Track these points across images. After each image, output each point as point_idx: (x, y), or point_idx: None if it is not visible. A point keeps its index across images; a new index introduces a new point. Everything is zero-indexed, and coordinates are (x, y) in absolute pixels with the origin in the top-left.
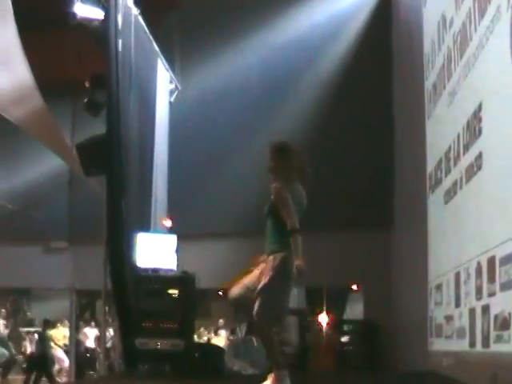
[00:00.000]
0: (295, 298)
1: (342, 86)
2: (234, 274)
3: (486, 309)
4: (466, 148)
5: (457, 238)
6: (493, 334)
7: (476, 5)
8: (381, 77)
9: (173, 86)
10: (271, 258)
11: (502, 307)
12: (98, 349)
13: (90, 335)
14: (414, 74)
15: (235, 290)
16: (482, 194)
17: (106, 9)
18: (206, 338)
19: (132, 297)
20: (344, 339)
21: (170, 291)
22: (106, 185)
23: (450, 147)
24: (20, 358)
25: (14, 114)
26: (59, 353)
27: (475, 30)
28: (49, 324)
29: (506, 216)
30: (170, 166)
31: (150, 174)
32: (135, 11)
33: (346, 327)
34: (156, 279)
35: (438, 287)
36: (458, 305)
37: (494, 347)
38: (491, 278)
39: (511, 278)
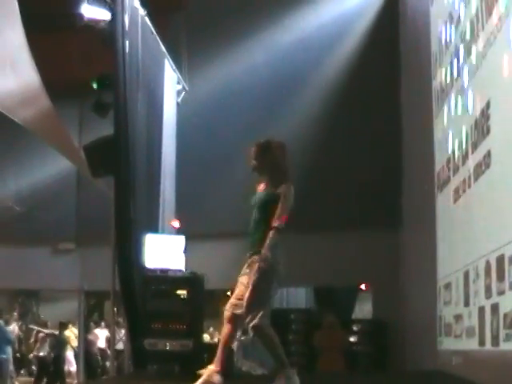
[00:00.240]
0: (304, 297)
1: (350, 86)
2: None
3: (495, 307)
4: (475, 146)
5: (465, 237)
6: (502, 332)
7: (483, 3)
8: (388, 76)
9: (180, 86)
10: (254, 260)
11: None
12: (108, 350)
13: (100, 336)
14: (421, 73)
15: (229, 306)
16: (491, 193)
17: (113, 10)
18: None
19: (140, 298)
20: (353, 339)
21: (179, 292)
22: (113, 186)
23: (458, 146)
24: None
25: (22, 116)
26: (69, 355)
27: (482, 29)
28: (65, 326)
29: None
30: (177, 167)
31: (157, 174)
32: (142, 12)
33: (354, 327)
34: (164, 280)
35: (447, 286)
36: (467, 304)
37: (504, 346)
38: (500, 277)
39: None
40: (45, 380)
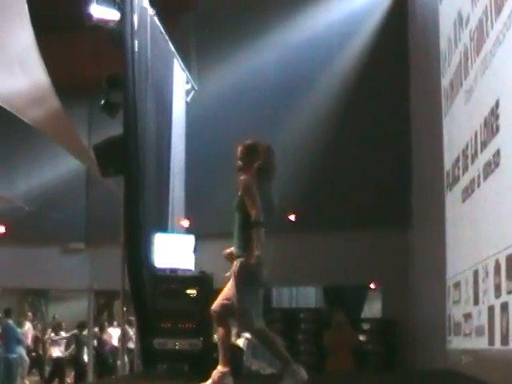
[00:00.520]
0: (313, 296)
1: (359, 85)
2: None
3: (504, 306)
4: (484, 145)
5: (475, 236)
6: None
7: (492, 1)
8: (397, 75)
9: (189, 86)
10: (235, 263)
11: None
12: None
13: (114, 335)
14: (430, 71)
15: (216, 306)
16: (500, 191)
17: (122, 10)
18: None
19: (150, 297)
20: (362, 338)
21: (188, 291)
22: (123, 185)
23: (467, 145)
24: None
25: (31, 116)
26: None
27: (492, 27)
28: (84, 327)
29: None
30: (186, 166)
31: (167, 174)
32: (151, 12)
33: (364, 326)
34: (174, 279)
35: (457, 285)
36: (476, 303)
37: None
38: (510, 276)
39: None
40: (56, 380)
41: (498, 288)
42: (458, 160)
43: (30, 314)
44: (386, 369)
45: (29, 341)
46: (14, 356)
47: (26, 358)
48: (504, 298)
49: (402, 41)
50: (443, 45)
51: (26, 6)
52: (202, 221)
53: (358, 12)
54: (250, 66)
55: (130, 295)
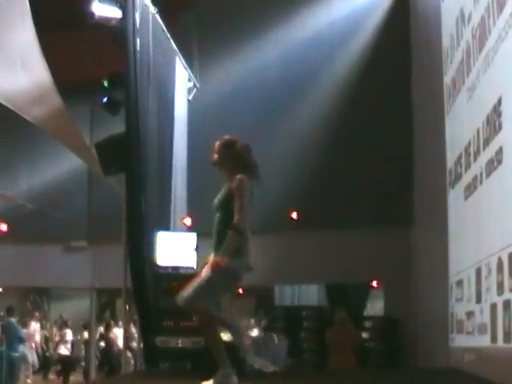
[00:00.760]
0: (316, 294)
1: (361, 83)
2: (254, 272)
3: (507, 304)
4: (486, 143)
5: (477, 234)
6: None
7: None
8: (399, 72)
9: (191, 84)
10: (212, 257)
11: None
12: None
13: (119, 335)
14: (432, 69)
15: (183, 294)
16: (503, 189)
17: (124, 8)
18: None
19: (152, 295)
20: (364, 336)
21: None
22: (125, 183)
23: (469, 142)
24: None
25: (33, 114)
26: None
27: (494, 24)
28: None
29: None
30: (189, 164)
31: (169, 172)
32: (152, 10)
33: (366, 324)
34: (176, 277)
35: (459, 283)
36: (478, 300)
37: None
38: None
39: None
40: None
41: (500, 286)
42: (460, 157)
43: (37, 313)
44: (389, 367)
45: (37, 340)
46: (17, 354)
47: (33, 358)
48: (506, 295)
49: (403, 38)
50: (445, 42)
51: (28, 5)
52: (204, 219)
53: (359, 10)
54: (251, 64)
55: (133, 293)
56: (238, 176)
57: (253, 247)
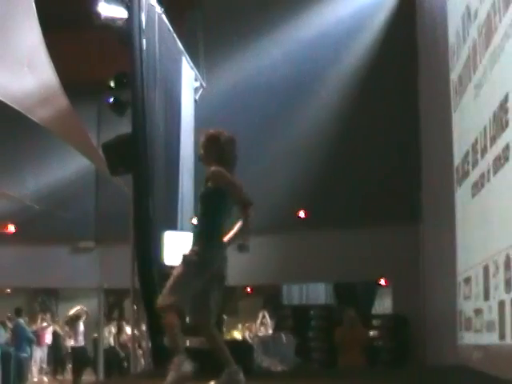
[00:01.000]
0: (323, 293)
1: (368, 80)
2: (262, 271)
3: None
4: (493, 140)
5: (485, 231)
6: None
7: None
8: (406, 70)
9: (197, 83)
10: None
11: None
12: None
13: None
14: (439, 66)
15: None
16: (510, 186)
17: (130, 8)
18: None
19: (160, 295)
20: (373, 334)
21: None
22: (132, 184)
23: (476, 139)
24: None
25: (40, 115)
26: None
27: (500, 21)
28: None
29: None
30: (195, 164)
31: (176, 171)
32: (159, 10)
33: (374, 322)
34: None
35: (467, 280)
36: (486, 298)
37: None
38: None
39: None
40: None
41: (508, 283)
42: (467, 155)
43: (48, 315)
44: (397, 365)
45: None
46: (25, 355)
47: (43, 357)
48: None
49: (410, 36)
50: (452, 39)
51: (34, 6)
52: None
53: (366, 8)
54: (258, 63)
55: (140, 293)
56: (212, 169)
57: (261, 246)
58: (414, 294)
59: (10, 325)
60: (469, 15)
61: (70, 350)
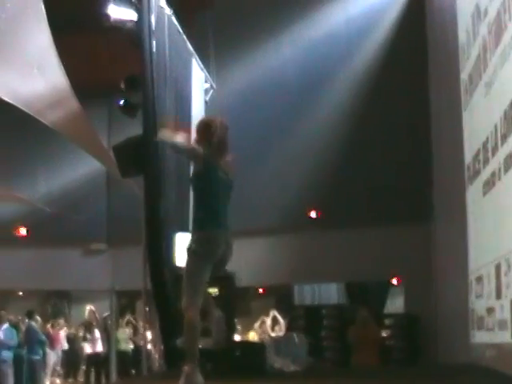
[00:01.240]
0: (335, 293)
1: (378, 80)
2: (273, 271)
3: None
4: (504, 138)
5: (496, 230)
6: None
7: None
8: (416, 69)
9: (208, 85)
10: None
11: None
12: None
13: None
14: (449, 65)
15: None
16: None
17: (139, 10)
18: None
19: (172, 297)
20: (385, 333)
21: (210, 290)
22: (143, 185)
23: (487, 138)
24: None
25: (51, 118)
26: None
27: (510, 19)
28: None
29: None
30: None
31: (187, 173)
32: (168, 11)
33: (387, 321)
34: None
35: (479, 279)
36: (499, 296)
37: None
38: None
39: None
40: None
41: None
42: (478, 153)
43: (62, 320)
44: (409, 364)
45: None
46: (38, 357)
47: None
48: None
49: (420, 35)
50: (462, 38)
51: (43, 9)
52: None
53: (375, 7)
54: (268, 63)
55: (152, 295)
56: None
57: (273, 247)
58: (426, 293)
59: (23, 327)
60: (478, 13)
61: (86, 357)
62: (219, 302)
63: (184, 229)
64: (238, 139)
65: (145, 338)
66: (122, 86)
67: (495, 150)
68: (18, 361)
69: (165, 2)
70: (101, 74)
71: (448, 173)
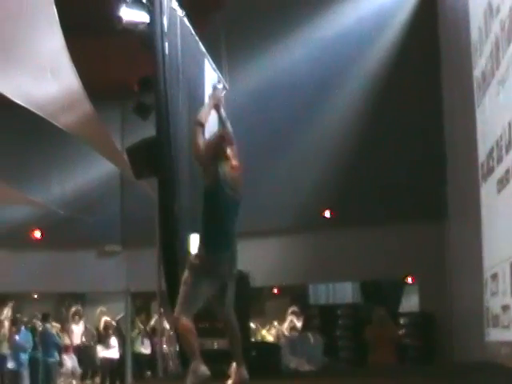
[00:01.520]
0: (350, 292)
1: (391, 78)
2: (288, 271)
3: None
4: None
5: (511, 227)
6: None
7: None
8: (429, 67)
9: (221, 85)
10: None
11: None
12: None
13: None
14: (462, 63)
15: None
16: None
17: (152, 12)
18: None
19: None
20: (400, 332)
21: None
22: (157, 187)
23: (501, 135)
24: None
25: (64, 121)
26: None
27: None
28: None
29: None
30: None
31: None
32: (180, 13)
33: (402, 320)
34: None
35: (494, 277)
36: None
37: None
38: None
39: None
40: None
41: None
42: (492, 151)
43: (80, 326)
44: (425, 362)
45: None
46: (53, 360)
47: (74, 364)
48: None
49: (432, 33)
50: (474, 35)
51: (56, 12)
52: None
53: (387, 5)
54: (280, 63)
55: (167, 296)
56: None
57: (287, 247)
58: (441, 291)
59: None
60: (491, 11)
61: (100, 361)
62: (234, 301)
63: (198, 230)
64: (250, 139)
65: (160, 338)
66: (135, 87)
67: (509, 147)
68: (33, 363)
69: (177, 4)
70: (113, 76)
71: (462, 171)
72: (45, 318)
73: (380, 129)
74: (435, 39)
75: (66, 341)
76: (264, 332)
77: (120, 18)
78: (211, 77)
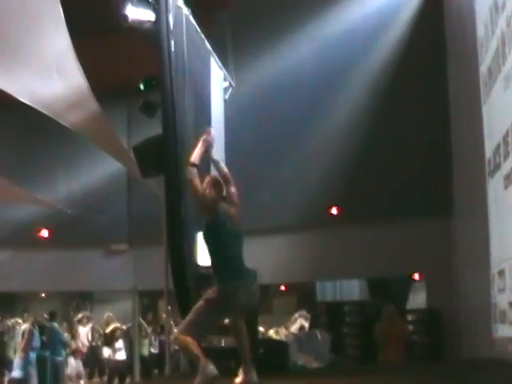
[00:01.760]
0: (357, 289)
1: (396, 75)
2: (295, 268)
3: None
4: None
5: None
6: None
7: None
8: (435, 63)
9: (227, 83)
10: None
11: None
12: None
13: None
14: (468, 59)
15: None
16: None
17: (157, 10)
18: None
19: (194, 296)
20: (408, 329)
21: None
22: (164, 185)
23: (507, 131)
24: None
25: (70, 120)
26: None
27: None
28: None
29: None
30: (226, 163)
31: (207, 171)
32: (186, 11)
33: (409, 317)
34: None
35: (501, 273)
36: None
37: None
38: None
39: None
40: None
41: None
42: (498, 147)
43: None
44: (433, 359)
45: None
46: (60, 359)
47: (78, 366)
48: None
49: (438, 29)
50: (480, 31)
51: (61, 11)
52: (243, 217)
53: (392, 2)
54: (286, 61)
55: (174, 295)
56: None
57: (294, 244)
58: (448, 288)
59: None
60: (496, 7)
61: (108, 363)
62: None
63: (209, 262)
64: (256, 136)
65: (168, 337)
66: (141, 86)
67: None
68: (41, 362)
69: (182, 2)
70: (119, 74)
71: (468, 167)
72: (52, 317)
73: (386, 126)
74: (441, 36)
75: (73, 344)
76: (271, 332)
77: (126, 17)
78: (217, 74)
